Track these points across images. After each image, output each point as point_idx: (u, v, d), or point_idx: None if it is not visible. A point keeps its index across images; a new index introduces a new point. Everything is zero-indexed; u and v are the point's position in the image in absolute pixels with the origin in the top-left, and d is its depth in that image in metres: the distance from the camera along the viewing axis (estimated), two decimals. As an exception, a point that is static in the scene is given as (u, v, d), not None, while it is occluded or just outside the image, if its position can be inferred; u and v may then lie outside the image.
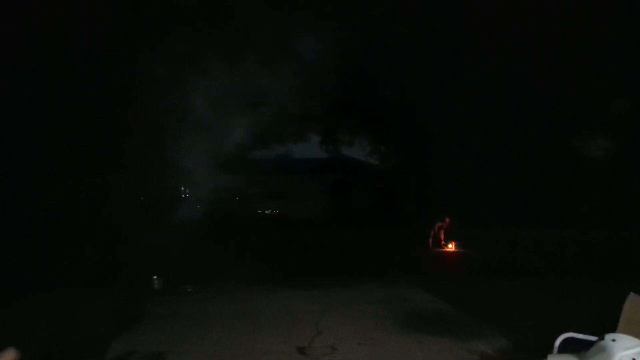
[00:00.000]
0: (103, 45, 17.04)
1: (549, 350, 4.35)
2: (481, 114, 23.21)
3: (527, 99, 22.63)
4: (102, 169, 20.22)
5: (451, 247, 17.47)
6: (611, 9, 19.88)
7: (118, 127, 18.41)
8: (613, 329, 4.26)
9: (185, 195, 26.04)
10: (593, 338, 1.58)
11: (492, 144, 23.47)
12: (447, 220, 17.90)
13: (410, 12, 20.48)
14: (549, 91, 22.47)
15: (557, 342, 4.36)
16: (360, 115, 28.29)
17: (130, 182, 20.54)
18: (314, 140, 31.69)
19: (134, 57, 16.50)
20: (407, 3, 20.36)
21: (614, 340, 1.51)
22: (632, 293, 4.39)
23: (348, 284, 10.90)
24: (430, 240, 17.76)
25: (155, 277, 10.94)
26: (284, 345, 6.51)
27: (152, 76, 15.55)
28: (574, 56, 21.00)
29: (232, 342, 6.66)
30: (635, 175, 18.96)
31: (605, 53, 20.30)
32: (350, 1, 19.58)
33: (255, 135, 21.28)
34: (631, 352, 1.47)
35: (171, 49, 16.06)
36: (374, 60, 22.10)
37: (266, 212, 33.72)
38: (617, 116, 21.56)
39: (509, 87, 22.16)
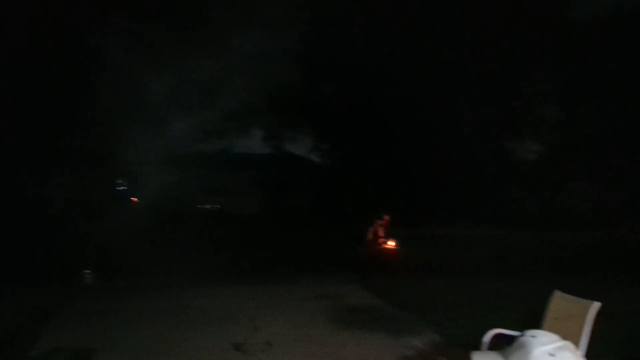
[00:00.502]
0: (36, 33, 16.34)
1: (479, 345, 4.48)
2: (419, 115, 23.69)
3: (465, 102, 23.30)
4: (38, 161, 19.40)
5: (390, 245, 17.70)
6: (542, 22, 20.75)
7: (54, 120, 17.71)
8: (539, 325, 4.42)
9: (123, 188, 25.33)
10: (519, 334, 1.62)
11: (430, 144, 23.98)
12: (386, 218, 18.11)
13: (355, 9, 20.65)
14: (484, 95, 23.22)
15: (486, 338, 4.49)
16: (303, 112, 28.30)
17: (67, 175, 19.79)
18: (257, 135, 31.45)
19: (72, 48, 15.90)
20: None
21: (533, 336, 1.56)
22: (556, 291, 4.56)
23: (286, 281, 10.90)
24: (369, 238, 17.94)
25: (87, 271, 10.59)
26: (219, 341, 6.42)
27: (90, 70, 15.06)
28: (509, 62, 21.79)
29: (164, 339, 6.52)
30: (564, 178, 19.81)
31: (538, 61, 21.14)
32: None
33: (196, 129, 20.94)
34: (548, 347, 1.52)
35: (111, 42, 15.59)
36: (317, 56, 22.16)
37: (206, 207, 33.21)
38: (547, 121, 22.51)
39: (447, 90, 22.73)
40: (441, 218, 23.50)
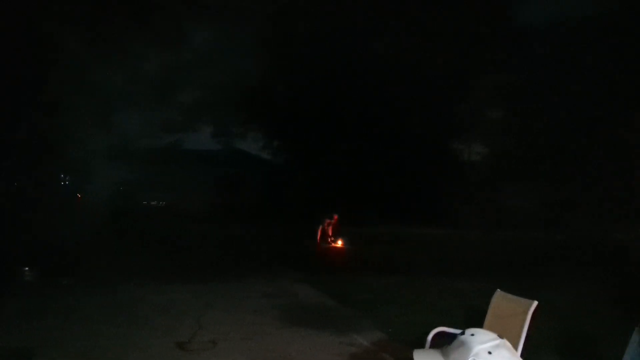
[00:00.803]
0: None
1: (423, 342, 4.54)
2: (369, 115, 23.96)
3: (413, 105, 23.70)
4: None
5: (338, 243, 17.81)
6: (488, 28, 21.35)
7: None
8: (482, 323, 4.53)
9: (65, 183, 24.57)
10: (460, 332, 1.65)
11: (379, 145, 24.29)
12: (335, 217, 18.22)
13: (309, 8, 20.68)
14: (432, 97, 23.69)
15: (430, 335, 4.56)
16: (254, 109, 28.14)
17: (8, 169, 19.05)
18: (206, 131, 31.14)
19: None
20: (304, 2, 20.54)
21: (472, 334, 1.58)
22: (498, 290, 4.67)
23: (233, 278, 10.79)
24: (318, 236, 18.00)
25: (26, 268, 10.20)
26: (162, 340, 6.30)
27: (37, 63, 14.54)
28: (456, 65, 22.30)
29: (106, 337, 6.35)
30: (507, 180, 20.39)
31: (485, 65, 21.71)
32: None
33: (145, 124, 20.53)
34: (487, 345, 1.55)
35: (58, 35, 15.10)
36: (269, 54, 22.10)
37: (152, 203, 32.60)
38: (492, 124, 23.15)
39: (397, 92, 23.06)
40: (389, 217, 23.81)
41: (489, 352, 1.54)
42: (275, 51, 22.21)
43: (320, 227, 18.15)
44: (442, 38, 22.03)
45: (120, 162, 22.82)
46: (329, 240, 17.91)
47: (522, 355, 3.79)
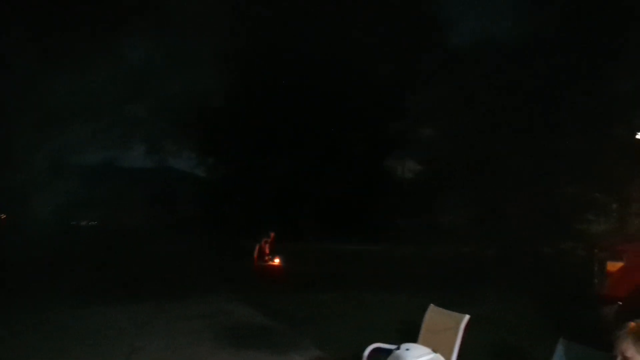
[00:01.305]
0: None
1: (360, 359, 4.60)
2: (306, 132, 24.14)
3: (350, 122, 24.09)
4: None
5: (276, 261, 17.73)
6: (421, 47, 22.08)
7: None
8: (417, 338, 4.64)
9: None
10: (395, 347, 1.69)
11: (316, 162, 24.47)
12: (272, 234, 18.16)
13: (242, 24, 20.69)
14: (369, 115, 24.18)
15: (366, 352, 4.62)
16: (188, 126, 27.75)
17: None
18: (140, 149, 30.44)
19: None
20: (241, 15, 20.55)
21: (407, 349, 1.63)
22: (431, 305, 4.81)
23: (168, 298, 10.53)
24: (255, 254, 17.87)
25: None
26: (94, 365, 6.09)
27: None
28: (390, 84, 22.89)
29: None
30: (441, 196, 20.92)
31: (417, 84, 22.34)
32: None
33: (75, 140, 19.87)
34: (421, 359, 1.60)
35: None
36: (202, 69, 21.88)
37: (82, 223, 31.49)
38: (425, 142, 23.83)
39: (334, 109, 23.38)
40: (327, 233, 23.94)
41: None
42: (211, 67, 22.03)
43: (258, 245, 18.04)
44: (375, 58, 22.56)
45: (51, 180, 21.93)
46: (266, 258, 17.80)
47: (455, 369, 3.91)
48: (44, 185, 21.71)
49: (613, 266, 6.12)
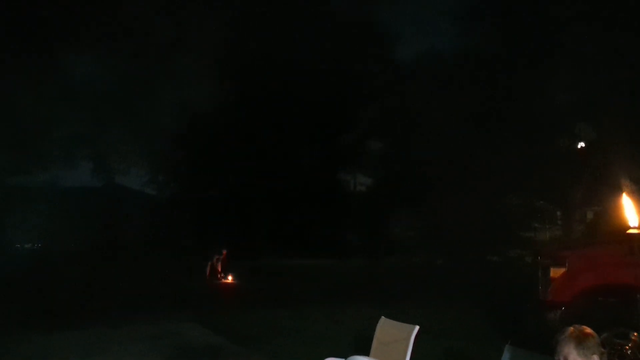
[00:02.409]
0: None
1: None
2: (257, 148, 24.07)
3: (300, 136, 24.17)
4: None
5: (228, 279, 17.54)
6: (369, 62, 22.50)
7: None
8: (369, 350, 4.66)
9: None
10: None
11: (268, 177, 24.41)
12: (224, 252, 17.98)
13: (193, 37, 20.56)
14: (319, 129, 24.33)
15: (319, 366, 4.62)
16: (136, 142, 27.21)
17: None
18: (85, 167, 29.58)
19: None
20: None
21: None
22: (383, 317, 4.85)
23: (115, 321, 10.22)
24: (208, 272, 17.63)
25: None
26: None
27: None
28: (341, 99, 23.14)
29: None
30: (389, 208, 21.19)
31: (366, 98, 22.70)
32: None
33: (13, 160, 19.16)
34: None
35: None
36: (151, 82, 21.54)
37: (26, 246, 30.33)
38: (375, 155, 24.14)
39: (284, 125, 23.42)
40: (278, 249, 23.86)
41: None
42: (156, 78, 21.68)
43: (210, 263, 17.81)
44: (325, 72, 22.78)
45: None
46: (219, 276, 17.59)
47: (406, 379, 3.95)
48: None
49: (556, 272, 6.31)
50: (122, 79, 19.93)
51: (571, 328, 2.63)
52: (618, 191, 9.22)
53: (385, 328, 4.73)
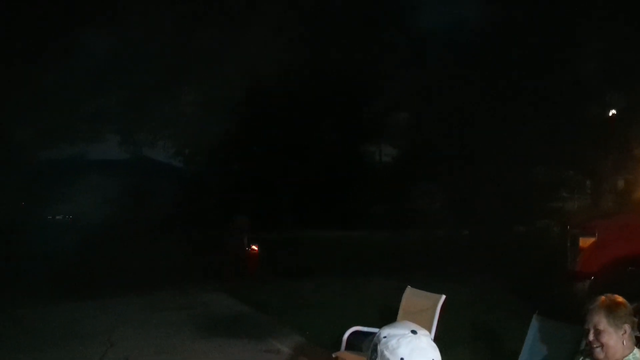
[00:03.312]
0: None
1: (340, 343, 4.62)
2: (282, 121, 24.02)
3: (322, 109, 24.02)
4: None
5: (253, 249, 17.68)
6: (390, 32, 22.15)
7: None
8: (394, 320, 4.67)
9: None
10: (375, 330, 1.68)
11: (293, 150, 24.41)
12: (249, 223, 18.10)
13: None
14: (341, 100, 24.15)
15: (345, 335, 4.65)
16: (164, 115, 27.42)
17: None
18: (112, 140, 29.94)
19: None
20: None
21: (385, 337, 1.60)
22: (408, 287, 4.85)
23: (144, 291, 10.43)
24: (233, 244, 17.79)
25: None
26: (71, 360, 6.01)
27: None
28: (363, 71, 22.89)
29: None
30: (414, 180, 21.04)
31: (389, 69, 22.36)
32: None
33: (42, 133, 19.44)
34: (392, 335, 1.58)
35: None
36: (177, 57, 21.58)
37: (57, 217, 31.00)
38: (399, 126, 23.92)
39: (305, 96, 23.29)
40: (304, 221, 23.95)
41: (414, 332, 1.58)
42: (182, 54, 21.70)
43: (235, 234, 17.96)
44: (346, 43, 22.50)
45: (21, 177, 21.44)
46: (244, 247, 17.75)
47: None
48: (16, 181, 21.29)
49: (585, 242, 6.22)
50: (148, 52, 19.96)
51: (602, 297, 2.58)
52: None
53: (412, 297, 4.73)
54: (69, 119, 20.48)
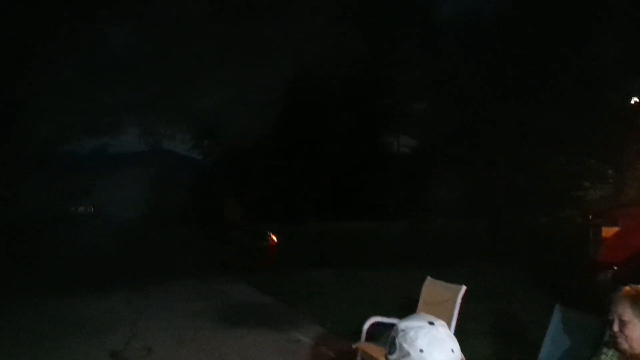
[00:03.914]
0: None
1: (360, 334, 4.62)
2: (298, 114, 24.02)
3: (339, 100, 23.96)
4: None
5: (272, 240, 17.75)
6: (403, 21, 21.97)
7: None
8: (414, 310, 4.66)
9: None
10: (395, 320, 1.68)
11: (310, 142, 24.40)
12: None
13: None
14: (357, 92, 24.06)
15: (365, 326, 4.65)
16: (182, 107, 27.54)
17: None
18: (132, 132, 30.14)
19: None
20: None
21: (403, 330, 1.61)
22: (428, 277, 4.82)
23: (166, 282, 10.57)
24: (254, 234, 17.88)
25: None
26: (95, 350, 6.08)
27: None
28: (379, 61, 22.77)
29: (35, 355, 6.06)
30: (433, 170, 20.92)
31: (406, 60, 22.22)
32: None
33: (64, 127, 19.66)
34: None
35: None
36: (192, 50, 21.62)
37: (80, 209, 31.49)
38: (417, 116, 23.76)
39: (321, 88, 23.26)
40: (323, 212, 23.95)
41: (431, 323, 1.59)
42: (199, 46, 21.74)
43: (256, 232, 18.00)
44: (363, 34, 22.37)
45: (44, 170, 21.74)
46: (264, 237, 17.82)
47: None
48: (38, 175, 21.58)
49: (608, 232, 6.13)
50: (166, 44, 20.03)
51: (626, 287, 2.54)
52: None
53: (432, 288, 4.70)
54: (90, 113, 20.66)
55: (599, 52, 16.13)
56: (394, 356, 1.56)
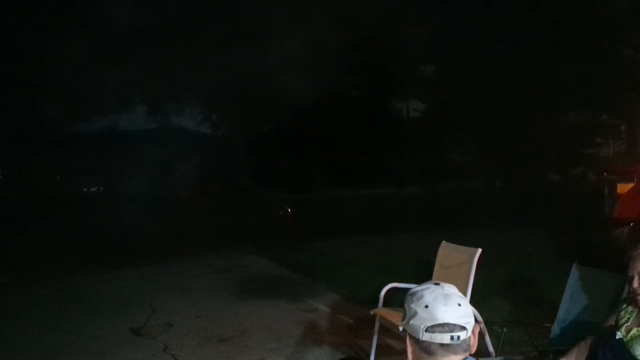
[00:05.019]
0: None
1: (377, 300, 4.64)
2: (304, 81, 23.85)
3: (345, 63, 23.71)
4: None
5: (286, 211, 17.83)
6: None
7: None
8: (430, 275, 4.66)
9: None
10: (412, 285, 1.71)
11: (317, 110, 24.26)
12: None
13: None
14: (365, 55, 23.77)
15: (383, 292, 4.66)
16: (189, 83, 27.48)
17: None
18: (141, 110, 30.20)
19: None
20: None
21: (411, 293, 1.65)
22: (444, 241, 4.81)
23: (182, 257, 10.67)
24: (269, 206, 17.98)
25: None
26: (116, 327, 6.18)
27: None
28: (387, 25, 22.40)
29: (57, 331, 6.18)
30: (444, 133, 20.75)
31: (416, 21, 21.82)
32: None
33: (71, 106, 19.71)
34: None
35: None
36: (199, 24, 21.46)
37: (92, 189, 31.75)
38: (427, 79, 23.46)
39: (332, 51, 23.01)
40: (333, 181, 23.98)
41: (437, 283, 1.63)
42: (205, 23, 21.58)
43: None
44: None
45: (53, 150, 21.88)
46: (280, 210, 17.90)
47: (470, 301, 3.94)
48: (49, 155, 21.72)
49: (623, 188, 6.07)
50: (172, 21, 19.91)
51: (646, 244, 2.51)
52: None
53: (447, 252, 4.69)
54: (98, 91, 20.68)
55: (610, 6, 15.76)
56: (404, 321, 1.61)
